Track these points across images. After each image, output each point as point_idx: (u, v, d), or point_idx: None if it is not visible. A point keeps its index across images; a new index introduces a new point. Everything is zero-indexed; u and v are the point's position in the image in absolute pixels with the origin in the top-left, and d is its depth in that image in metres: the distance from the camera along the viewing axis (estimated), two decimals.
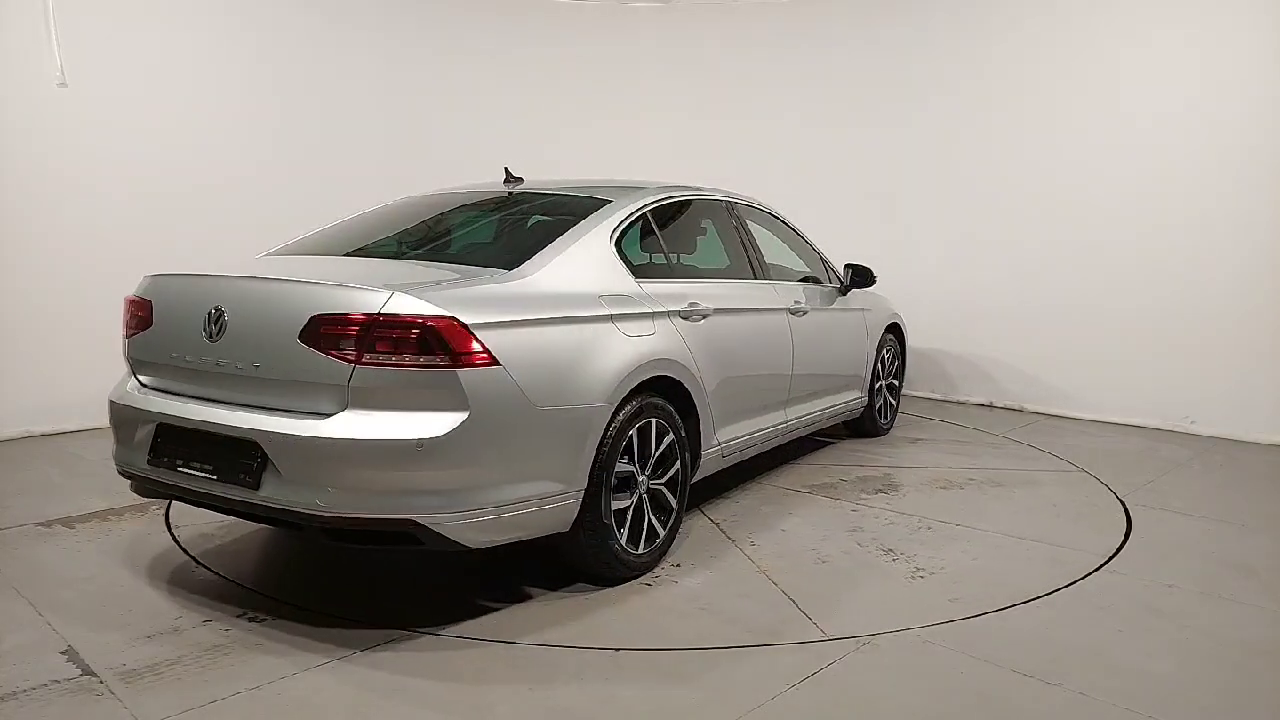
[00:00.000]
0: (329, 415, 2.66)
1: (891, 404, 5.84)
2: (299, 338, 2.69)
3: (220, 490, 2.80)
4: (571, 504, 2.99)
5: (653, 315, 3.41)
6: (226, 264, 3.25)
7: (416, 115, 6.84)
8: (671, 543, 3.52)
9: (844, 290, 5.08)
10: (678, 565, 3.45)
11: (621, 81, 7.59)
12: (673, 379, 3.44)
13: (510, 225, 3.83)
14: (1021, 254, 6.55)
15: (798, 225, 5.03)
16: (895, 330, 5.82)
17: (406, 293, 2.65)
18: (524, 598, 3.13)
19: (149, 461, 3.00)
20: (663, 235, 3.92)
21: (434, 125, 6.88)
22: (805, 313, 4.53)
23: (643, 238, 3.82)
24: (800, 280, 4.84)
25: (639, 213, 3.70)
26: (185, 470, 2.88)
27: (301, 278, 2.90)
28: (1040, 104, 6.40)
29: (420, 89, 6.87)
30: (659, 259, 3.88)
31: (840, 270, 5.13)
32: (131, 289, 3.27)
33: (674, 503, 3.46)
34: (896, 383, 5.90)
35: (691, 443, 3.62)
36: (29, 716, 2.32)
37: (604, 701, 2.46)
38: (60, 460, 4.85)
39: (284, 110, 6.24)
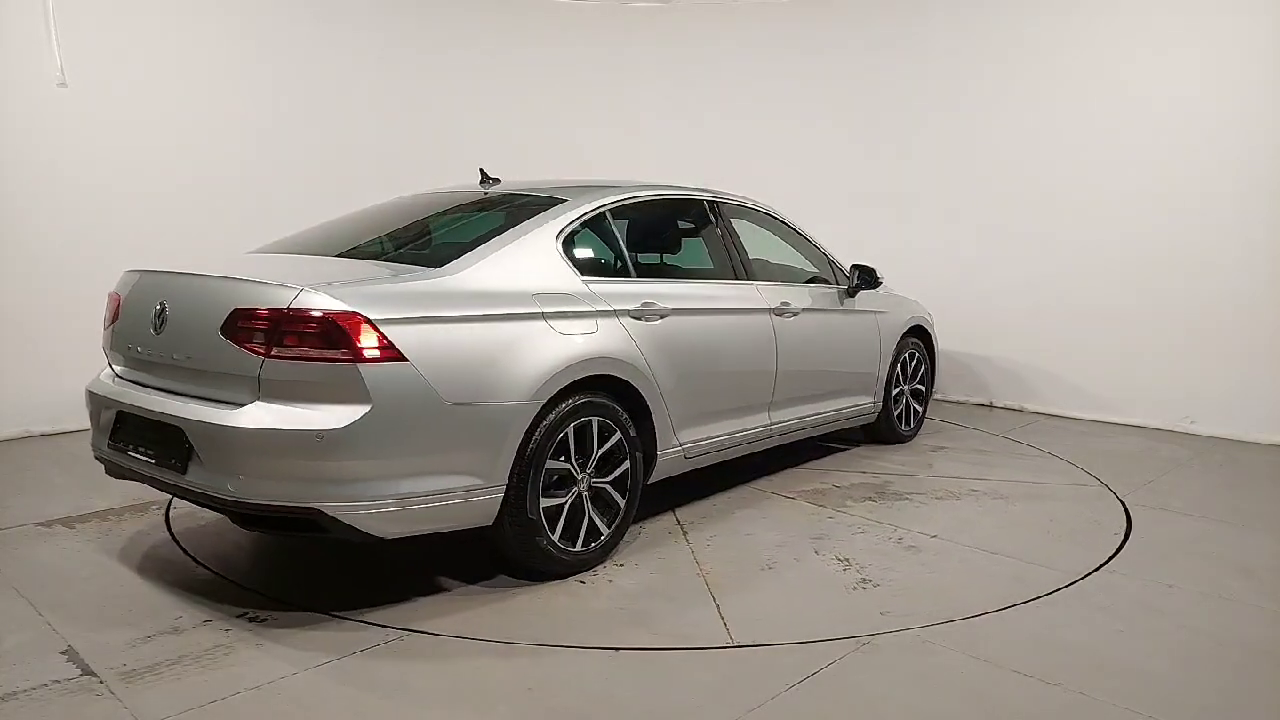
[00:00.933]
0: (242, 406, 2.79)
1: (916, 410, 5.63)
2: (220, 331, 2.84)
3: (157, 473, 3.00)
4: (491, 499, 3.02)
5: (596, 314, 3.42)
6: (183, 260, 3.35)
7: (417, 115, 6.83)
8: (619, 541, 3.52)
9: (851, 292, 4.97)
10: (621, 565, 3.45)
11: (621, 82, 7.58)
12: (620, 378, 3.45)
13: (464, 226, 3.85)
14: (1022, 254, 6.55)
15: (799, 226, 4.97)
16: (920, 333, 5.64)
17: (315, 289, 2.76)
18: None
19: (109, 445, 3.23)
20: (624, 235, 3.90)
21: (433, 125, 6.87)
22: (795, 314, 4.44)
23: (600, 237, 3.81)
24: (806, 282, 4.80)
25: (594, 212, 3.71)
26: (133, 454, 3.10)
27: (229, 274, 3.02)
28: (1040, 105, 6.39)
29: (420, 89, 6.86)
30: (614, 259, 3.87)
31: (848, 271, 5.02)
32: None
33: (621, 502, 3.47)
34: (922, 388, 5.69)
35: (647, 443, 3.62)
36: (29, 716, 2.32)
37: (604, 701, 2.46)
38: (60, 460, 4.85)
39: (285, 110, 6.24)
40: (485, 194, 4.05)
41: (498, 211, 3.82)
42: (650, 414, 3.60)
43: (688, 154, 7.38)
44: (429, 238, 3.82)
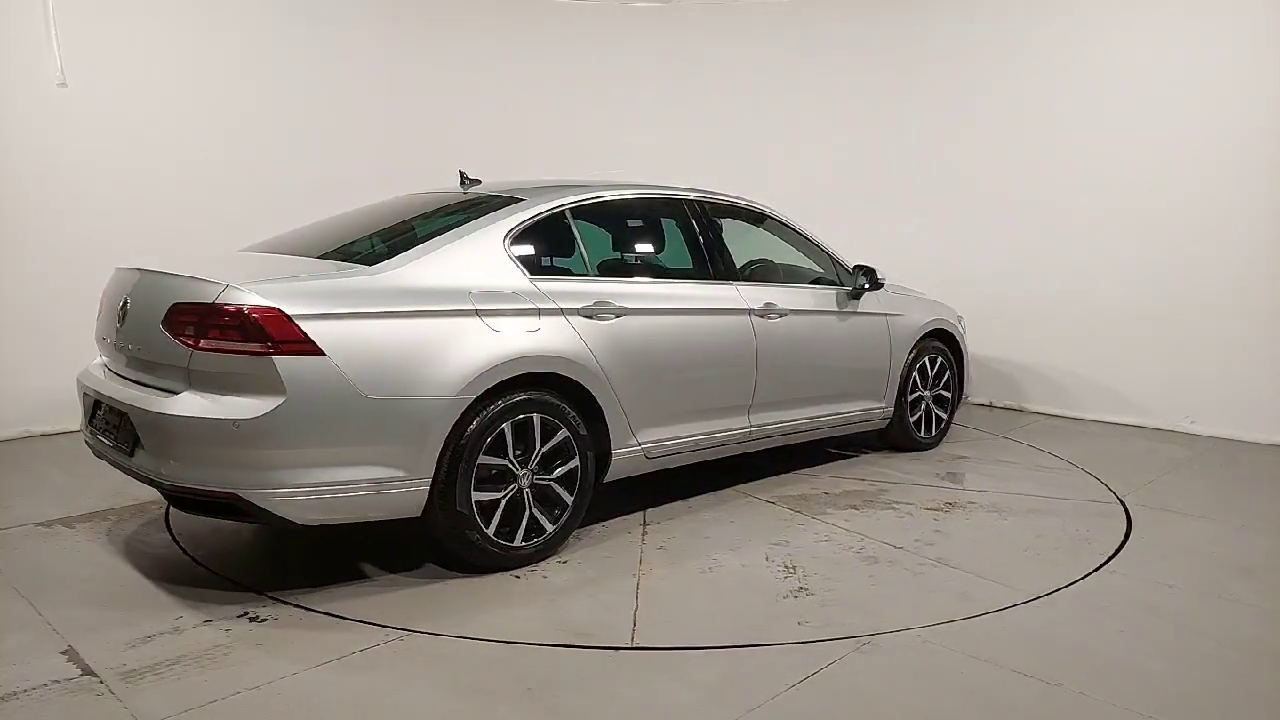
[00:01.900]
0: (176, 394, 2.96)
1: (939, 416, 5.42)
2: (162, 323, 3.01)
3: (116, 456, 3.18)
4: (416, 491, 3.09)
5: (540, 312, 3.43)
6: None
7: (416, 115, 6.82)
8: (565, 538, 3.53)
9: (855, 293, 4.86)
10: (564, 561, 3.45)
11: (621, 81, 7.58)
12: (567, 376, 3.46)
13: (427, 227, 3.83)
14: (1022, 254, 6.55)
15: (800, 226, 4.92)
16: (944, 336, 5.45)
17: (239, 285, 2.90)
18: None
19: (88, 429, 3.44)
20: (584, 234, 3.88)
21: (433, 125, 6.86)
22: (781, 315, 4.36)
23: (556, 236, 3.81)
24: (810, 283, 4.75)
25: (550, 212, 3.72)
26: (101, 438, 3.29)
27: (172, 270, 3.16)
28: (1039, 105, 6.39)
29: (419, 89, 6.86)
30: (568, 258, 3.86)
31: (853, 272, 4.91)
32: None
33: (569, 500, 3.48)
34: (947, 394, 5.47)
35: (601, 442, 3.63)
36: (29, 716, 2.32)
37: (604, 701, 2.46)
38: (60, 460, 4.85)
39: (285, 110, 6.23)
40: (463, 195, 4.06)
41: (461, 213, 3.81)
42: (603, 413, 3.61)
43: (688, 154, 7.37)
44: (395, 239, 3.80)
